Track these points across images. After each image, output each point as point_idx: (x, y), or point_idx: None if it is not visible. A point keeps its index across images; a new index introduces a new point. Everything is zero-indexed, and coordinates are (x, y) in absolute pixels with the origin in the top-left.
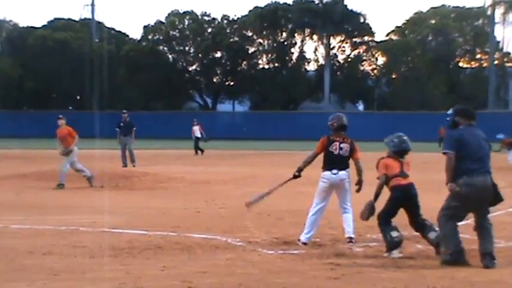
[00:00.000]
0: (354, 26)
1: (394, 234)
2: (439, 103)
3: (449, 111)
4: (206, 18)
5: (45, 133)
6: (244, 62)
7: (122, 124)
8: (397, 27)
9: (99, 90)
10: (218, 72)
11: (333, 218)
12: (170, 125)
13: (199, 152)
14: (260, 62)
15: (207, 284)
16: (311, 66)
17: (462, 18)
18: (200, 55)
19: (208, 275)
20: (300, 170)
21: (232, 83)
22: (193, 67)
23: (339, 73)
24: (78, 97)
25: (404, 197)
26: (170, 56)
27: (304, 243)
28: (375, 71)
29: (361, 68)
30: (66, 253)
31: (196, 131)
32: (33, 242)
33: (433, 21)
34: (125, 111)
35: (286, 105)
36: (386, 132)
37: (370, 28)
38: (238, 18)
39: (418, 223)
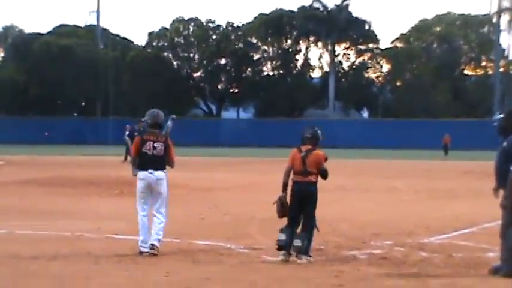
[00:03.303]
0: (358, 33)
1: (281, 237)
2: (444, 110)
3: (499, 115)
4: (211, 24)
5: (50, 139)
6: (249, 69)
7: (136, 134)
8: (402, 34)
9: (104, 96)
10: (223, 79)
11: (336, 225)
12: (174, 131)
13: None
14: (265, 68)
15: None
16: (316, 73)
17: (467, 26)
18: (205, 62)
19: (212, 281)
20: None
21: (236, 90)
22: (198, 74)
23: (343, 80)
24: (82, 103)
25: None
26: (175, 63)
27: (142, 252)
28: (380, 78)
29: (366, 75)
30: (71, 259)
31: (127, 135)
32: (37, 247)
33: (438, 29)
34: (143, 119)
35: (290, 112)
36: (390, 138)
37: (375, 35)
38: (243, 25)
39: None
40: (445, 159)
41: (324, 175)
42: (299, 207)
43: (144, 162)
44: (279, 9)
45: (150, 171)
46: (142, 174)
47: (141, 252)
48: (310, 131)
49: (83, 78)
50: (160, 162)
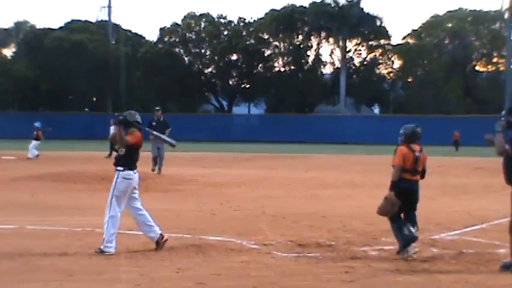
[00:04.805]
0: (370, 29)
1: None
2: (455, 107)
3: (504, 112)
4: (222, 20)
5: (61, 135)
6: (260, 65)
7: (153, 123)
8: (413, 30)
9: (115, 92)
10: (234, 74)
11: (347, 221)
12: (186, 127)
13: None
14: (276, 64)
15: (221, 286)
16: (327, 69)
17: (479, 22)
18: (216, 57)
19: (223, 277)
20: None
21: (248, 86)
22: (209, 69)
23: (354, 76)
24: (94, 99)
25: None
26: (186, 58)
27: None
28: (391, 74)
29: (377, 71)
30: (82, 254)
31: (112, 130)
32: (48, 243)
33: (449, 25)
34: (158, 107)
35: (301, 108)
36: None
37: (387, 31)
38: (254, 20)
39: None
40: (456, 155)
41: (424, 174)
42: (404, 205)
43: (135, 161)
44: (290, 5)
45: (135, 171)
46: (130, 174)
47: (105, 252)
48: (418, 129)
49: (95, 73)
50: None
